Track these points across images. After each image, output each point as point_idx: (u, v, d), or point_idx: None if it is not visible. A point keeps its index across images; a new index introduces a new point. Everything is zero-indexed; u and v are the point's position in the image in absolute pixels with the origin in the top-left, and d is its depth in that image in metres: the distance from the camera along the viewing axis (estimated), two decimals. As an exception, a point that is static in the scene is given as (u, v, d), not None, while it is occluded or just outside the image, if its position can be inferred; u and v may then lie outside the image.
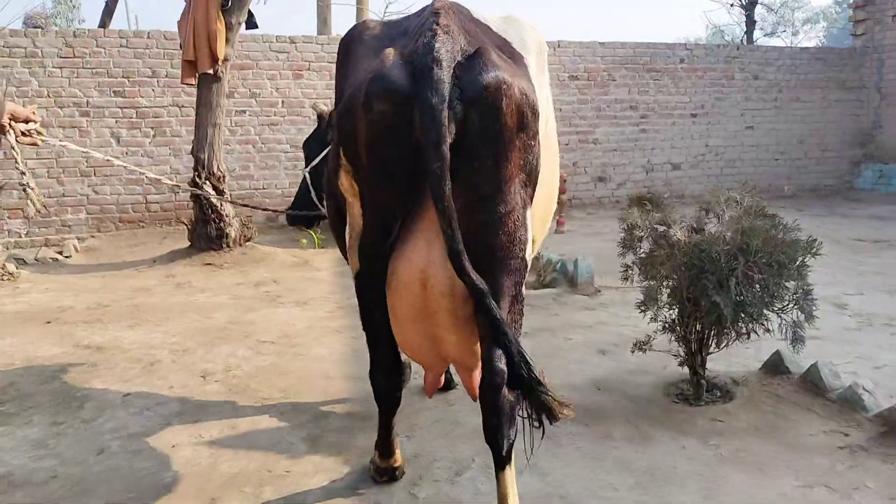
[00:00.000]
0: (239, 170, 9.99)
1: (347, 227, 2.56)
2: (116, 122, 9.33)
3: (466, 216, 2.23)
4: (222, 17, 7.28)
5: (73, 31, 9.12)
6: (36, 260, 8.07)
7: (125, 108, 9.34)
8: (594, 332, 4.95)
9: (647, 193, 3.76)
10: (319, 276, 7.26)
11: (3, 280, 7.12)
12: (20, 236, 9.11)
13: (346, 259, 3.09)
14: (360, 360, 4.06)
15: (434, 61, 2.14)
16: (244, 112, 9.94)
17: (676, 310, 3.63)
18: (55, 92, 9.02)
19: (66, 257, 8.32)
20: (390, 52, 2.28)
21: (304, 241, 8.43)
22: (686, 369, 3.73)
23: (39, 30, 8.95)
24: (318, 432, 3.45)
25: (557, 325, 5.13)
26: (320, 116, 4.44)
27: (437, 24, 2.23)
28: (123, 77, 9.29)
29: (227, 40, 7.37)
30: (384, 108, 2.21)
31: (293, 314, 5.66)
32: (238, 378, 4.22)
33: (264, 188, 10.18)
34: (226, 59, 7.48)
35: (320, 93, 10.29)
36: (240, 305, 5.97)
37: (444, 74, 2.15)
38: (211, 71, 7.33)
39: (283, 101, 10.16)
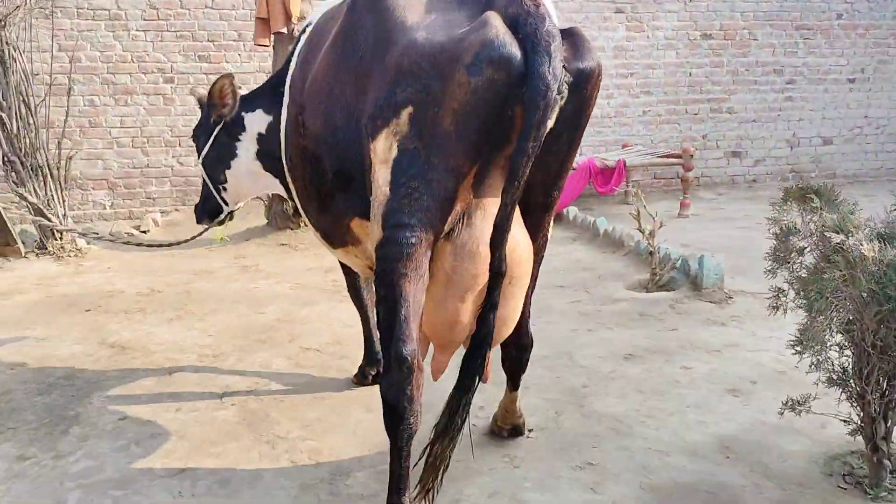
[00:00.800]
0: (327, 140, 9.31)
1: (373, 196, 2.22)
2: (202, 89, 8.79)
3: (529, 196, 2.32)
4: (297, -31, 6.47)
5: (158, -9, 8.62)
6: (111, 235, 7.68)
7: (210, 74, 8.75)
8: (723, 359, 3.78)
9: (812, 180, 2.56)
10: (398, 262, 6.39)
11: (69, 257, 6.72)
12: (104, 208, 8.80)
13: (324, 237, 2.84)
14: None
15: (551, 36, 2.00)
16: (334, 78, 9.21)
17: (851, 357, 2.46)
18: (139, 57, 8.57)
19: (143, 232, 7.90)
20: (496, 16, 2.03)
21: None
22: (859, 439, 2.57)
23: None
24: (330, 498, 2.57)
25: (674, 344, 4.00)
26: (200, 102, 3.64)
27: None
28: (209, 41, 8.72)
29: (302, -6, 6.57)
30: (495, 77, 2.01)
31: (354, 312, 4.80)
32: (260, 402, 3.41)
33: (354, 161, 9.45)
34: (302, 17, 6.67)
35: (416, 56, 9.40)
36: (299, 297, 5.20)
37: (560, 52, 2.03)
38: (285, 30, 6.56)
39: (375, 66, 9.34)
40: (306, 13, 6.77)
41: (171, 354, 4.04)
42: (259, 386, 3.59)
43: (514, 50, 1.99)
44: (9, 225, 6.12)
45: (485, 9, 2.09)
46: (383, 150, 2.13)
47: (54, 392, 3.54)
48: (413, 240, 2.11)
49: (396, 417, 2.15)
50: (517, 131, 2.04)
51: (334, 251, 2.88)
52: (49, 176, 6.73)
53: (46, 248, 6.76)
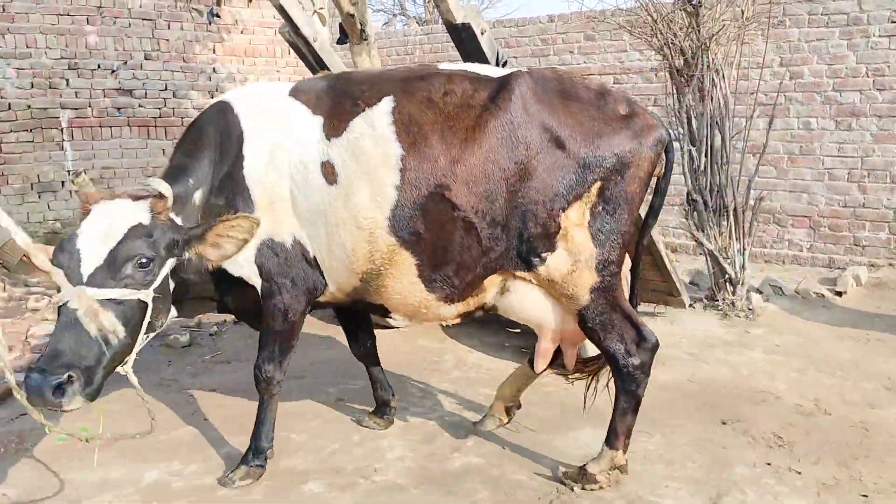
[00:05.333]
0: None
1: (563, 255, 2.99)
2: None
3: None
4: None
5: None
6: (796, 292, 6.29)
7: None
8: None
9: None
10: None
11: (738, 316, 5.68)
12: (801, 250, 7.42)
13: (446, 297, 3.15)
14: None
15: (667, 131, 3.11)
16: None
17: None
18: (876, 70, 6.77)
19: (838, 294, 6.25)
20: (654, 118, 3.11)
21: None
22: None
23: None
24: None
25: None
26: None
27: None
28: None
29: None
30: (659, 150, 3.04)
31: None
32: None
33: None
34: None
35: None
36: None
37: None
38: None
39: None
40: None
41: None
42: None
43: (667, 135, 3.10)
44: (672, 274, 5.41)
45: (622, 112, 3.01)
46: (577, 216, 2.95)
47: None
48: (616, 279, 3.06)
49: (644, 382, 3.12)
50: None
51: (446, 306, 3.18)
52: (733, 217, 5.78)
53: (716, 300, 5.89)
